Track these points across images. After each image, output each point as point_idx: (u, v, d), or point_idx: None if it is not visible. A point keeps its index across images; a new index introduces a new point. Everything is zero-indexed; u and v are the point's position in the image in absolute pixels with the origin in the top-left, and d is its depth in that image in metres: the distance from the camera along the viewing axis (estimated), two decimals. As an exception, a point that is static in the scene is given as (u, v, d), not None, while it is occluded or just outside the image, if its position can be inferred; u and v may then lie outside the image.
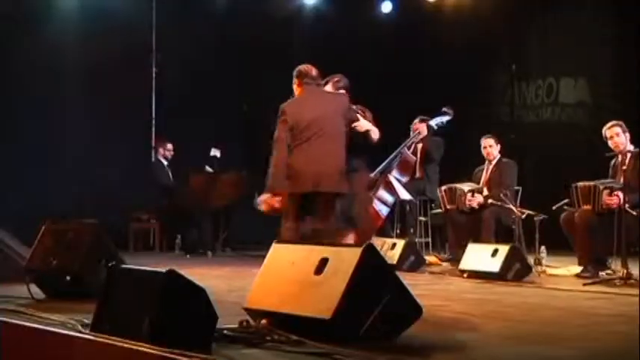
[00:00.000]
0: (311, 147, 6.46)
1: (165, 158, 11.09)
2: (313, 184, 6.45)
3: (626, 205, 6.66)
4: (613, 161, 7.23)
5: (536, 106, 11.85)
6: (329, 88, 7.01)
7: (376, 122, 7.16)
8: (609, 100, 10.50)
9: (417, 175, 9.06)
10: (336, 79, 7.07)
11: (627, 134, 7.15)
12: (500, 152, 8.56)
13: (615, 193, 6.76)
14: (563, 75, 11.50)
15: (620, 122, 7.24)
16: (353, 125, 6.79)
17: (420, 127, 9.00)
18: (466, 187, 8.24)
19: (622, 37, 10.53)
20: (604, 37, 10.94)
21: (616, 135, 7.15)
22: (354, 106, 7.12)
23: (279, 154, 6.39)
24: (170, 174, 11.09)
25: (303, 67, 6.66)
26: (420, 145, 9.12)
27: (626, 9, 10.32)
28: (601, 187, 6.85)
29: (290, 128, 6.38)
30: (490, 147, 8.55)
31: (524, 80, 11.90)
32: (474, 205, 8.11)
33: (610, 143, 7.18)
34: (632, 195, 6.76)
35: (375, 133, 6.87)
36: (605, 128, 7.24)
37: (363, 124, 6.86)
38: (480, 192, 8.19)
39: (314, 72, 6.61)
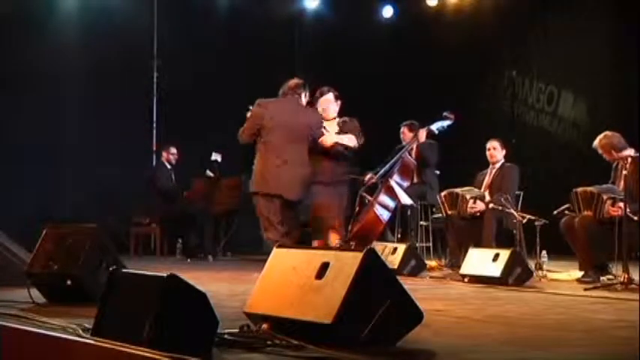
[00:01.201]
0: (283, 151, 7.09)
1: (169, 162, 11.10)
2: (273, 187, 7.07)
3: (627, 210, 6.64)
4: (615, 164, 7.23)
5: (537, 110, 11.85)
6: (329, 97, 7.56)
7: (362, 128, 7.42)
8: (608, 119, 10.40)
9: (415, 180, 9.06)
10: (327, 88, 7.70)
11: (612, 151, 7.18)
12: (505, 157, 8.53)
13: (618, 204, 6.74)
14: (563, 87, 11.45)
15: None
16: (320, 141, 7.34)
17: (419, 135, 8.99)
18: (468, 193, 8.20)
19: (623, 38, 10.53)
20: (604, 38, 10.93)
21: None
22: (339, 119, 7.44)
23: None
24: (173, 178, 11.09)
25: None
26: (413, 151, 9.12)
27: (626, 9, 10.33)
28: (604, 197, 6.82)
29: (260, 124, 7.16)
30: (494, 149, 8.51)
31: (527, 82, 11.90)
32: (476, 212, 8.08)
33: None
34: (633, 203, 6.73)
35: (350, 141, 7.21)
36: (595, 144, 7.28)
37: (328, 139, 7.31)
38: (482, 199, 8.15)
39: (291, 82, 7.26)
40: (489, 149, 8.52)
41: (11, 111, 10.70)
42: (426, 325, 3.71)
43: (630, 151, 7.05)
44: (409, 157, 8.85)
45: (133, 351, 3.20)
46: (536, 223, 7.67)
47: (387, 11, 13.20)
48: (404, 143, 9.19)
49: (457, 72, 12.17)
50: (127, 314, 3.47)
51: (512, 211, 7.79)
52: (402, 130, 9.41)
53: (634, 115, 9.02)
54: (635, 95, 9.50)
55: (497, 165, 8.49)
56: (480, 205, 8.07)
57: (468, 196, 8.13)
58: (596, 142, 7.26)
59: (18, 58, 10.69)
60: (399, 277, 3.80)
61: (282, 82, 7.17)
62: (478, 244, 7.73)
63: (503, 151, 8.52)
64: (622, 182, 6.97)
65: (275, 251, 4.07)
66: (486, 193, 8.32)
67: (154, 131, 12.13)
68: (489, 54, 12.18)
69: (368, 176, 9.03)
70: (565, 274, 7.50)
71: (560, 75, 11.49)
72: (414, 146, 9.07)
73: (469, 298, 6.07)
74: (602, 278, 6.89)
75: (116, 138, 11.23)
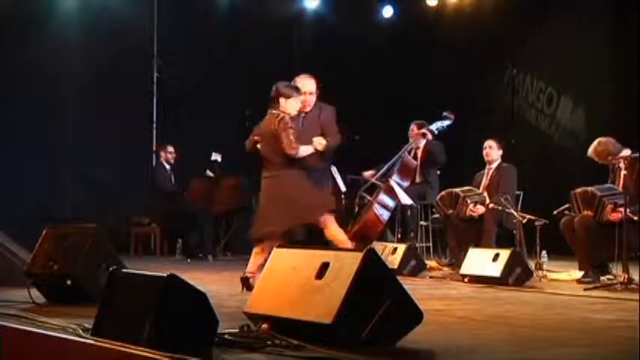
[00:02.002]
0: None
1: (168, 162, 11.09)
2: None
3: (627, 211, 6.63)
4: (611, 166, 7.23)
5: (537, 109, 11.83)
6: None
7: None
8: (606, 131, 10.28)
9: (417, 179, 9.05)
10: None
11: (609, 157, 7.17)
12: (502, 157, 8.53)
13: (619, 209, 6.72)
14: (563, 92, 11.40)
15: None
16: None
17: (426, 132, 8.96)
18: (469, 198, 8.15)
19: (623, 38, 10.52)
20: (605, 38, 10.92)
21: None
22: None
23: None
24: (172, 178, 11.09)
25: None
26: (419, 150, 9.11)
27: (626, 9, 10.33)
28: (606, 202, 6.81)
29: None
30: (490, 148, 8.50)
31: (527, 82, 11.89)
32: (476, 216, 8.06)
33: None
34: (633, 203, 6.71)
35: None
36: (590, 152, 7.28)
37: None
38: (482, 202, 8.13)
39: None
40: (485, 148, 8.53)
41: (11, 111, 10.69)
42: (425, 324, 3.71)
43: (627, 152, 7.05)
44: (409, 157, 8.85)
45: (133, 351, 3.20)
46: (536, 223, 7.67)
47: (387, 11, 13.19)
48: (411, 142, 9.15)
49: (457, 72, 12.16)
50: (127, 314, 3.48)
51: (512, 211, 7.79)
52: (411, 127, 9.33)
53: (633, 125, 8.95)
54: (634, 102, 9.46)
55: (494, 165, 8.49)
56: (479, 209, 8.05)
57: (468, 201, 8.10)
58: (591, 151, 7.24)
59: (18, 58, 10.68)
60: (399, 277, 3.81)
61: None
62: (478, 244, 7.73)
63: (500, 151, 8.51)
64: (621, 181, 6.98)
65: (275, 251, 4.07)
66: (485, 194, 8.31)
67: (154, 131, 12.12)
68: (489, 54, 12.17)
69: (368, 173, 9.04)
70: (565, 274, 7.50)
71: (560, 76, 11.46)
72: (421, 146, 9.06)
73: (469, 298, 6.07)
74: (602, 278, 6.89)
75: (116, 138, 11.22)
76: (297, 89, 6.48)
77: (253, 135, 6.52)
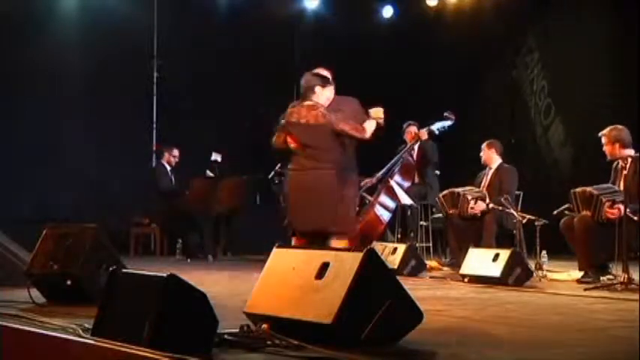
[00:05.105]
0: None
1: (169, 164, 11.09)
2: None
3: (627, 210, 6.62)
4: (615, 164, 7.22)
5: (537, 110, 11.84)
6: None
7: None
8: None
9: (415, 180, 9.06)
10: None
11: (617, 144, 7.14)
12: (502, 158, 8.53)
13: (617, 206, 6.72)
14: (559, 112, 11.40)
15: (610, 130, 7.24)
16: None
17: (420, 133, 8.97)
18: (469, 194, 8.18)
19: (621, 41, 10.52)
20: (604, 39, 10.92)
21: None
22: None
23: None
24: (172, 179, 11.09)
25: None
26: (414, 152, 9.11)
27: (626, 10, 10.33)
28: (603, 200, 6.81)
29: None
30: (484, 151, 8.54)
31: (527, 82, 11.90)
32: (477, 212, 8.07)
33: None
34: (632, 203, 6.71)
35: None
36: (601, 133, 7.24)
37: None
38: (483, 199, 8.14)
39: None
40: (483, 150, 8.55)
41: (11, 111, 10.70)
42: (425, 325, 3.71)
43: (631, 151, 7.05)
44: (410, 157, 8.86)
45: (133, 351, 3.20)
46: (536, 223, 7.67)
47: (387, 11, 13.22)
48: (408, 143, 9.15)
49: (457, 72, 12.16)
50: (127, 314, 3.47)
51: (512, 211, 7.79)
52: (406, 129, 9.33)
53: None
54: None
55: (495, 166, 8.49)
56: (480, 206, 8.06)
57: (469, 197, 8.12)
58: (605, 132, 7.18)
59: (18, 58, 10.69)
60: (399, 277, 3.81)
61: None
62: (478, 244, 7.73)
63: (495, 153, 8.49)
64: (622, 182, 6.97)
65: (275, 251, 4.07)
66: (486, 194, 8.31)
67: (154, 131, 12.13)
68: (489, 54, 12.18)
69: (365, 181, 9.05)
70: (565, 274, 7.49)
71: (559, 81, 11.43)
72: (415, 147, 9.07)
73: (469, 298, 6.07)
74: (602, 278, 6.88)
75: (116, 138, 11.22)
76: (327, 78, 6.55)
77: (283, 131, 6.44)
